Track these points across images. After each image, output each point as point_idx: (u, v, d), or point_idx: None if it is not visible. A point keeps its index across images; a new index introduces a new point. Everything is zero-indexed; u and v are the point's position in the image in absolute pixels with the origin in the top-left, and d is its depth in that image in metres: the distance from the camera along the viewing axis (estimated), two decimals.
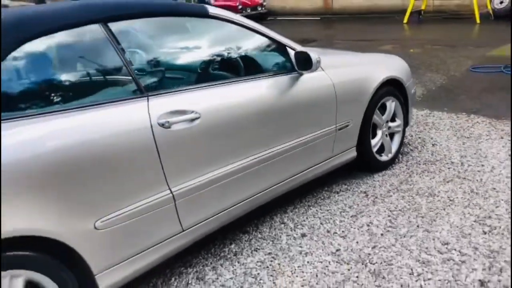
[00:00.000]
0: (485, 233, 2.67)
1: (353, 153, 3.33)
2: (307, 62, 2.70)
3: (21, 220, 1.73)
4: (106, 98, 2.04)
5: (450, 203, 3.04)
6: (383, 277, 2.36)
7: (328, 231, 2.84)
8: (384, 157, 3.57)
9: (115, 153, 1.98)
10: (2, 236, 1.67)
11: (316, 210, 3.09)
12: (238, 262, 2.60)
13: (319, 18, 14.41)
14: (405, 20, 11.93)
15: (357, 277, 2.39)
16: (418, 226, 2.80)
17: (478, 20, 10.83)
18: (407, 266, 2.43)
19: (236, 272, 2.52)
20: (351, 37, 10.95)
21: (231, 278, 2.47)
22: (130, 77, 2.14)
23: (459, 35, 9.89)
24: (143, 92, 2.15)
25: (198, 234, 2.42)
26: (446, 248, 2.56)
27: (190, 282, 2.47)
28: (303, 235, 2.82)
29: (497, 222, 2.77)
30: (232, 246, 2.77)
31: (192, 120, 2.24)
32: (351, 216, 2.98)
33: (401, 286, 2.29)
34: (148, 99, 2.14)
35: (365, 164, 3.48)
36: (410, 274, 2.37)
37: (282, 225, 2.95)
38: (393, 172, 3.56)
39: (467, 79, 6.22)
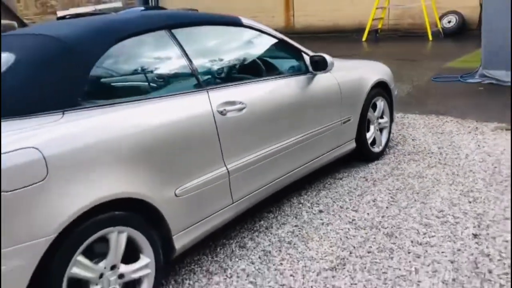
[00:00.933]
0: (470, 202, 3.26)
1: (353, 144, 3.87)
2: (322, 64, 3.23)
3: (124, 185, 2.13)
4: (178, 90, 2.49)
5: (437, 182, 3.62)
6: (396, 237, 2.88)
7: (341, 207, 3.34)
8: (376, 149, 4.14)
9: (187, 134, 2.42)
10: (112, 198, 2.06)
11: (326, 193, 3.60)
12: (271, 233, 3.05)
13: None
14: (364, 38, 12.84)
15: (374, 238, 2.89)
16: (415, 200, 3.35)
17: (430, 38, 11.84)
18: (413, 228, 2.97)
19: (272, 241, 2.96)
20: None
21: (269, 245, 2.91)
22: (193, 74, 2.59)
23: (416, 50, 10.80)
24: (203, 86, 2.60)
25: (242, 207, 2.86)
26: (442, 214, 3.12)
27: (234, 250, 2.90)
28: (321, 211, 3.31)
29: (478, 194, 3.36)
30: (262, 222, 3.22)
31: (241, 109, 2.71)
32: (357, 195, 3.50)
33: (412, 242, 2.81)
34: (208, 92, 2.59)
35: (362, 154, 4.02)
36: (417, 233, 2.90)
37: (300, 205, 3.42)
38: (384, 161, 4.13)
39: (430, 87, 6.97)
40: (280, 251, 2.84)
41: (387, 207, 3.28)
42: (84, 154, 2.00)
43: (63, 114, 2.04)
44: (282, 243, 2.93)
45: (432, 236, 2.86)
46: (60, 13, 11.93)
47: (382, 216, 3.15)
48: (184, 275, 2.65)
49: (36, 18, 11.21)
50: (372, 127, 4.08)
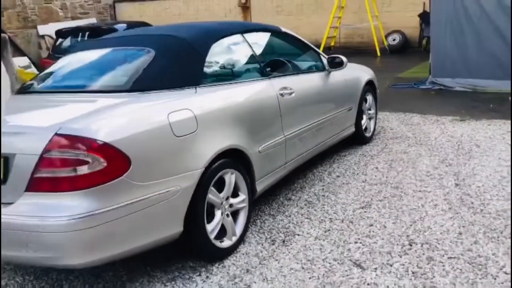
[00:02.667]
0: (446, 166, 4.37)
1: (353, 129, 4.91)
2: (339, 63, 4.25)
3: (234, 139, 3.01)
4: (254, 77, 3.42)
5: (419, 155, 4.73)
6: (400, 188, 3.92)
7: (352, 173, 4.35)
8: (367, 134, 5.21)
9: (263, 108, 3.34)
10: (228, 147, 2.93)
11: (337, 165, 4.60)
12: (307, 191, 3.99)
13: None
14: None
15: (385, 189, 3.91)
16: (407, 166, 4.43)
17: (378, 53, 13.35)
18: (411, 183, 4.02)
19: (309, 195, 3.91)
20: None
21: (308, 197, 3.85)
22: (260, 66, 3.53)
23: (369, 64, 12.12)
24: (267, 75, 3.54)
25: (290, 168, 3.79)
26: (429, 173, 4.21)
27: (283, 201, 3.81)
28: (338, 176, 4.29)
29: (451, 161, 4.49)
30: (296, 185, 4.15)
31: (291, 93, 3.66)
32: (362, 165, 4.53)
33: (413, 190, 3.86)
34: (270, 79, 3.53)
35: (358, 137, 5.06)
36: (415, 185, 3.96)
37: (320, 173, 4.39)
38: (374, 144, 5.21)
39: (391, 93, 8.22)
40: (318, 200, 3.79)
41: (388, 171, 4.33)
42: (213, 116, 2.88)
43: (196, 89, 2.90)
44: (318, 196, 3.88)
45: (426, 186, 3.92)
46: (48, 27, 12.25)
47: (386, 177, 4.19)
48: (253, 217, 3.52)
49: (18, 31, 11.58)
50: (364, 116, 5.15)
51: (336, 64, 4.28)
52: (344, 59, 4.27)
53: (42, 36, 12.25)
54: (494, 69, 7.70)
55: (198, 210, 2.71)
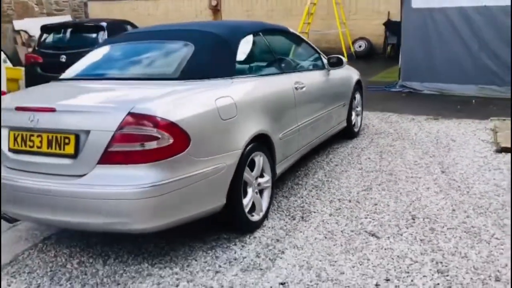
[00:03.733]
0: (430, 157, 4.91)
1: (345, 123, 5.38)
2: (338, 63, 4.70)
3: (263, 125, 3.37)
4: (272, 71, 3.80)
5: (404, 148, 5.25)
6: (394, 175, 4.40)
7: (348, 162, 4.80)
8: (355, 129, 5.70)
9: (283, 99, 3.74)
10: (259, 132, 3.29)
11: (333, 156, 5.04)
12: (311, 177, 4.41)
13: None
14: None
15: (381, 176, 4.38)
16: (395, 156, 4.93)
17: (346, 59, 14.03)
18: (403, 170, 4.51)
19: (314, 180, 4.32)
20: None
21: (314, 182, 4.27)
22: (278, 62, 3.92)
23: None
24: (284, 70, 3.94)
25: (300, 155, 4.19)
26: (417, 163, 4.72)
27: (292, 186, 4.20)
28: (336, 165, 4.74)
29: (433, 153, 5.03)
30: (299, 172, 4.55)
31: (302, 88, 4.07)
32: (356, 156, 5.00)
33: (406, 177, 4.34)
34: (286, 74, 3.93)
35: (348, 132, 5.53)
36: (406, 172, 4.45)
37: (319, 163, 4.82)
38: (362, 138, 5.70)
39: (365, 94, 8.79)
40: (324, 185, 4.21)
41: (379, 161, 4.81)
42: (248, 104, 3.24)
43: (232, 79, 3.26)
44: (322, 181, 4.30)
45: (417, 173, 4.43)
46: (24, 22, 12.09)
47: (380, 166, 4.67)
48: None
49: None
50: (353, 113, 5.63)
51: (335, 64, 4.72)
52: (343, 59, 4.72)
53: (18, 31, 12.10)
54: (458, 74, 8.42)
55: (237, 186, 3.06)
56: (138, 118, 2.55)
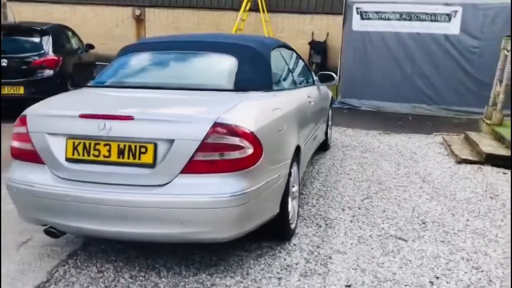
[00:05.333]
0: (405, 167, 5.38)
1: (324, 136, 5.69)
2: (329, 78, 4.99)
3: (297, 137, 3.53)
4: (293, 85, 3.98)
5: (376, 159, 5.69)
6: (384, 184, 4.77)
7: (336, 173, 5.09)
8: (329, 142, 6.04)
9: (305, 112, 3.92)
10: (297, 144, 3.45)
11: (318, 167, 5.30)
12: (310, 187, 4.62)
13: None
14: None
15: (373, 184, 4.73)
16: (375, 167, 5.33)
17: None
18: (389, 180, 4.90)
19: (315, 190, 4.54)
20: None
21: (316, 192, 4.48)
22: (293, 76, 4.10)
23: None
24: (298, 84, 4.13)
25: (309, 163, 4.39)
26: (397, 173, 5.15)
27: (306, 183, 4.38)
28: (326, 175, 5.00)
29: (405, 164, 5.52)
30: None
31: (311, 101, 4.29)
32: (339, 167, 5.31)
33: (394, 185, 4.74)
34: (301, 88, 4.13)
35: (324, 144, 5.85)
36: (393, 182, 4.84)
37: (309, 173, 5.05)
38: (333, 150, 6.05)
39: None
40: (326, 194, 4.43)
41: (363, 171, 5.17)
42: (290, 116, 3.38)
43: (273, 92, 3.37)
44: (323, 191, 4.52)
45: (402, 182, 4.83)
46: None
47: (366, 176, 5.02)
48: None
49: None
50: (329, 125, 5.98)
51: (327, 79, 5.01)
52: (334, 75, 5.03)
53: None
54: (393, 93, 9.24)
55: (286, 194, 3.18)
56: (224, 128, 2.58)
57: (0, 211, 3.99)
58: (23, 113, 2.90)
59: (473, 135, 6.42)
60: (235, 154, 2.60)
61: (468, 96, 8.87)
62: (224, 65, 3.38)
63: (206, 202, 2.53)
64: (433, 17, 8.88)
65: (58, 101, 3.18)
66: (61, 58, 7.77)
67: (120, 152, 2.60)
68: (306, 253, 3.25)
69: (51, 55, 7.68)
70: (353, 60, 9.43)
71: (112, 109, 2.75)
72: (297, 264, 3.11)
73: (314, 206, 4.12)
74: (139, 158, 2.59)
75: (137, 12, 16.43)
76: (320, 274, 2.98)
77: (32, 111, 2.88)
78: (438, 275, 3.01)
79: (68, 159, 2.69)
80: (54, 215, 2.72)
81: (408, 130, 7.50)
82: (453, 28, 8.81)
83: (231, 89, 3.16)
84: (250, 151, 2.63)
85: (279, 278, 2.92)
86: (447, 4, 8.79)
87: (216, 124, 2.57)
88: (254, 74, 3.34)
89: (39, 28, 7.78)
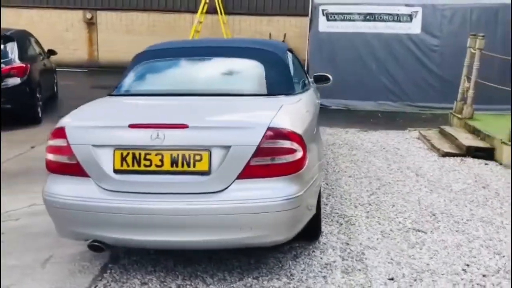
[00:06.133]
0: (395, 163, 5.61)
1: None
2: (325, 79, 5.11)
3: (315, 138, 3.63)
4: (306, 88, 4.06)
5: (365, 156, 5.89)
6: (383, 180, 4.96)
7: (334, 171, 5.23)
8: None
9: (317, 112, 4.01)
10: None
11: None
12: None
13: (86, 70, 15.58)
14: None
15: (374, 182, 4.91)
16: (368, 164, 5.51)
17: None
18: (386, 176, 5.09)
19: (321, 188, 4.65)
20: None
21: (322, 189, 4.60)
22: (302, 79, 4.18)
23: None
24: (306, 87, 4.22)
25: None
26: (390, 168, 5.36)
27: None
28: (326, 174, 5.13)
29: (394, 159, 5.75)
30: None
31: (318, 103, 4.40)
32: (334, 165, 5.46)
33: (393, 181, 4.94)
34: (310, 90, 4.22)
35: None
36: (390, 177, 5.04)
37: None
38: (324, 149, 6.19)
39: None
40: (333, 192, 4.56)
41: (358, 168, 5.35)
42: (314, 117, 3.46)
43: (296, 96, 3.44)
44: (329, 189, 4.63)
45: (398, 177, 5.04)
46: None
47: (363, 172, 5.20)
48: None
49: None
50: None
51: (323, 80, 5.12)
52: (330, 77, 5.16)
53: None
54: (360, 92, 9.54)
55: (319, 195, 3.26)
56: (277, 132, 2.62)
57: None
58: (59, 125, 2.79)
59: (448, 129, 6.79)
60: (287, 158, 2.65)
61: (430, 92, 9.34)
62: (252, 70, 3.41)
63: (264, 207, 2.57)
64: (396, 18, 9.27)
65: (96, 112, 3.09)
66: (28, 65, 7.43)
67: (174, 161, 2.58)
68: (339, 251, 3.34)
69: (18, 63, 7.34)
70: (320, 60, 9.64)
71: (165, 118, 2.71)
72: (334, 262, 3.19)
73: (327, 204, 4.23)
74: (194, 166, 2.58)
75: (88, 15, 15.93)
76: (360, 270, 3.09)
77: (71, 123, 2.78)
78: (467, 262, 3.19)
79: (116, 171, 2.62)
80: (102, 228, 2.64)
81: (382, 127, 7.80)
82: (415, 27, 9.24)
83: (264, 93, 3.20)
84: (300, 154, 2.69)
85: (324, 277, 3.00)
86: (408, 5, 9.21)
87: (269, 129, 2.61)
88: (281, 78, 3.40)
89: (2, 34, 7.39)
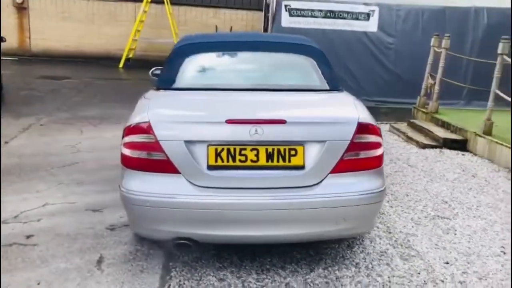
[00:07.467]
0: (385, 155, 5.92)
1: None
2: None
3: None
4: None
5: None
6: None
7: None
8: None
9: None
10: None
11: None
12: None
13: (17, 59, 14.45)
14: (121, 65, 14.13)
15: None
16: None
17: None
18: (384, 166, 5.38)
19: None
20: (81, 76, 11.90)
21: None
22: None
23: None
24: None
25: None
26: (391, 161, 5.65)
27: None
28: None
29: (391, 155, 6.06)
30: None
31: None
32: None
33: (392, 171, 5.24)
34: None
35: None
36: (388, 167, 5.34)
37: None
38: None
39: None
40: None
41: None
42: None
43: (341, 92, 3.54)
44: None
45: (395, 168, 5.36)
46: None
47: None
48: None
49: None
50: None
51: None
52: None
53: None
54: None
55: None
56: (366, 127, 2.72)
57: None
58: (141, 119, 2.66)
59: (418, 122, 7.26)
60: (373, 152, 2.77)
61: (385, 88, 9.86)
62: (307, 66, 3.45)
63: (358, 199, 2.67)
64: (354, 16, 9.68)
65: (179, 107, 2.95)
66: None
67: (269, 156, 2.59)
68: (386, 239, 3.52)
69: None
70: None
71: (263, 114, 2.70)
72: (387, 250, 3.37)
73: None
74: (289, 161, 2.61)
75: (18, 0, 14.77)
76: (414, 256, 3.29)
77: (158, 117, 2.66)
78: (502, 244, 3.52)
79: (209, 166, 2.58)
80: (192, 225, 2.59)
81: None
82: (372, 26, 9.71)
83: (328, 89, 3.28)
84: (382, 149, 2.83)
85: (387, 264, 3.16)
86: (366, 4, 9.64)
87: (359, 124, 2.71)
88: (333, 74, 3.49)
89: None
